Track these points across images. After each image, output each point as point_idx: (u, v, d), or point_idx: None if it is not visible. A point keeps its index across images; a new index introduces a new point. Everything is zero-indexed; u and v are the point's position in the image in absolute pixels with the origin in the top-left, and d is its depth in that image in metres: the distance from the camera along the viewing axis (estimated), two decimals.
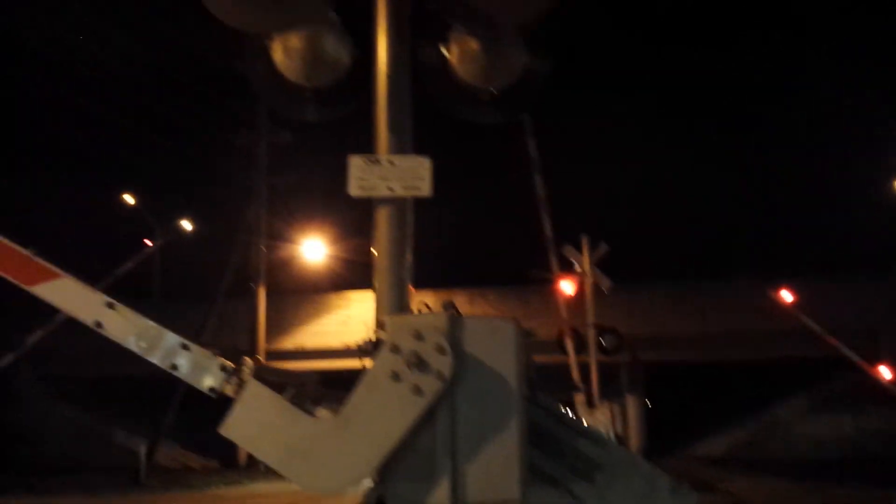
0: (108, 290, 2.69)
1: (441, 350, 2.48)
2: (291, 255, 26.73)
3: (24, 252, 2.67)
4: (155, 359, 2.62)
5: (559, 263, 15.19)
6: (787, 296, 19.76)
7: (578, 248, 15.63)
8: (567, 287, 15.31)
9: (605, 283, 15.88)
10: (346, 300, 28.37)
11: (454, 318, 2.63)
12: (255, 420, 2.47)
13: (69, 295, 2.67)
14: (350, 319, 27.13)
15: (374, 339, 2.77)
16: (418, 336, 2.49)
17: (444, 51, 3.41)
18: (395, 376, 2.44)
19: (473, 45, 3.36)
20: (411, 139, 3.15)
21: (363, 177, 3.05)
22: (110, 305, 2.64)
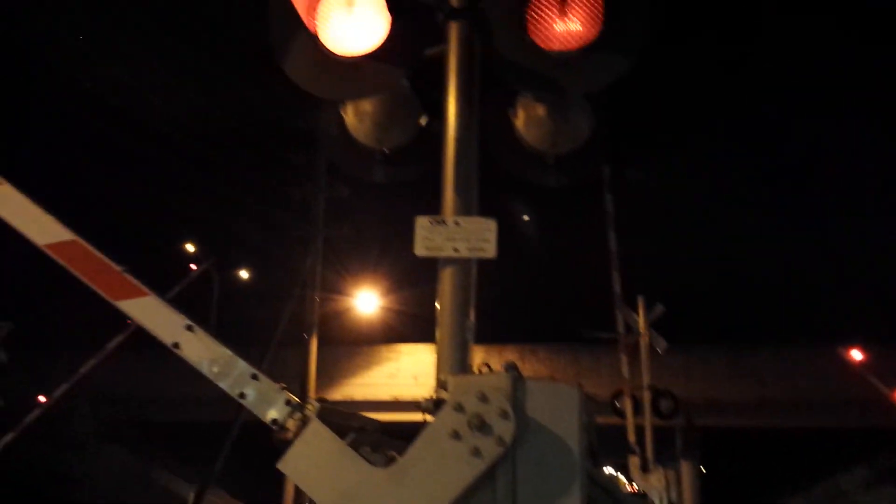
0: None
1: (504, 415, 2.47)
2: (344, 307, 26.97)
3: (116, 267, 2.79)
4: (224, 385, 2.68)
5: (622, 322, 14.95)
6: (856, 355, 19.02)
7: (634, 308, 15.41)
8: (628, 347, 15.03)
9: (661, 345, 15.56)
10: (396, 353, 28.38)
11: (517, 380, 2.63)
12: (313, 459, 2.49)
13: (152, 313, 2.76)
14: (399, 372, 27.10)
15: (434, 396, 2.78)
16: (482, 398, 2.49)
17: (511, 115, 3.47)
18: (456, 435, 2.44)
19: (540, 110, 3.42)
20: (477, 201, 3.19)
21: (429, 237, 3.10)
22: (189, 328, 2.72)
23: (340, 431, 2.55)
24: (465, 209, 3.14)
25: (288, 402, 2.60)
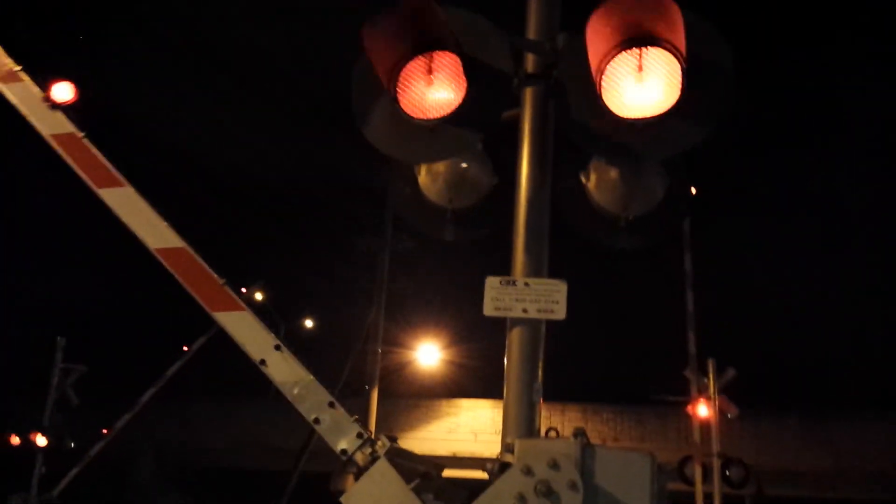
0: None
1: (573, 486, 2.44)
2: (406, 360, 27.03)
3: (218, 279, 2.90)
4: (302, 409, 2.75)
5: (695, 385, 14.52)
6: None
7: (704, 371, 14.98)
8: (702, 410, 14.53)
9: (732, 411, 15.02)
10: (455, 408, 28.13)
11: (586, 447, 2.58)
12: (375, 498, 2.50)
13: (245, 328, 2.87)
14: (458, 427, 26.80)
15: (500, 458, 2.76)
16: (553, 465, 2.46)
17: (583, 177, 3.49)
18: (522, 498, 2.43)
19: (612, 173, 3.43)
20: (547, 262, 3.20)
21: (498, 297, 3.11)
22: (278, 347, 2.81)
23: (406, 474, 2.55)
24: (535, 270, 3.14)
25: (360, 435, 2.64)
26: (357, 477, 2.62)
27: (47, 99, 3.26)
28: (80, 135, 3.22)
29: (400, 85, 3.11)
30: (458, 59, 3.07)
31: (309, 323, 27.40)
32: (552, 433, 2.81)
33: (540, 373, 3.11)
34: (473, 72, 3.05)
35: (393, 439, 2.69)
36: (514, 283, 3.11)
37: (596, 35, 2.90)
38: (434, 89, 3.12)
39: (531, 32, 3.35)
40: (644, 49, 2.98)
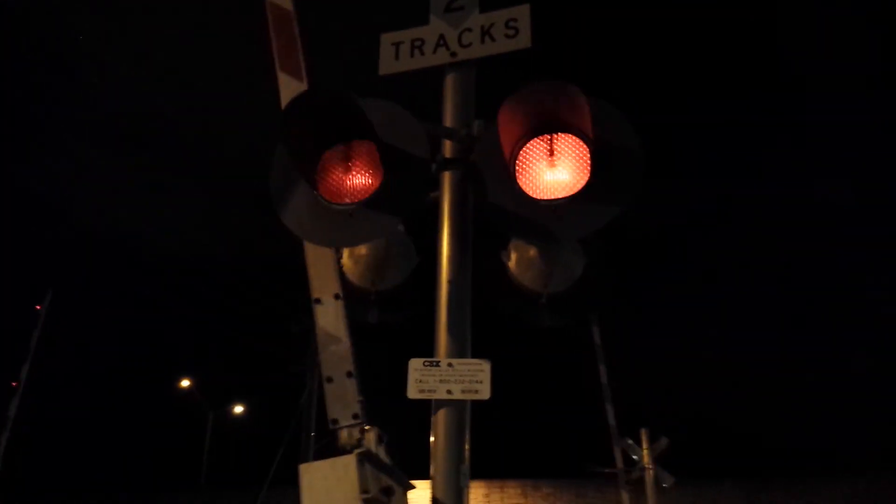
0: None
1: None
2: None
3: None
4: (324, 361, 2.96)
5: (622, 456, 14.54)
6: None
7: (637, 441, 15.06)
8: (633, 481, 14.54)
9: (668, 479, 15.09)
10: None
11: None
12: (328, 486, 2.49)
13: (322, 261, 3.12)
14: None
15: None
16: None
17: (504, 257, 3.56)
18: None
19: (532, 252, 3.51)
20: (470, 343, 3.22)
21: (422, 379, 3.09)
22: (337, 297, 3.12)
23: (365, 482, 2.52)
24: (458, 350, 3.15)
25: (355, 416, 2.65)
26: (327, 452, 2.64)
27: None
28: (293, 12, 3.19)
29: (319, 171, 3.15)
30: (374, 147, 3.14)
31: (239, 408, 26.53)
32: None
33: (467, 455, 3.08)
34: (391, 158, 3.12)
35: (383, 438, 2.68)
36: (437, 363, 3.11)
37: (508, 123, 3.02)
38: (352, 175, 3.18)
39: (447, 120, 3.47)
40: (554, 135, 3.11)
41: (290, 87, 3.63)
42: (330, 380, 2.79)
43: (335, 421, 2.69)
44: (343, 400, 2.76)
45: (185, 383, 30.43)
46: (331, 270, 3.02)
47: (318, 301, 2.93)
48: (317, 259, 3.03)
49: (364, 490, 2.56)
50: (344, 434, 2.66)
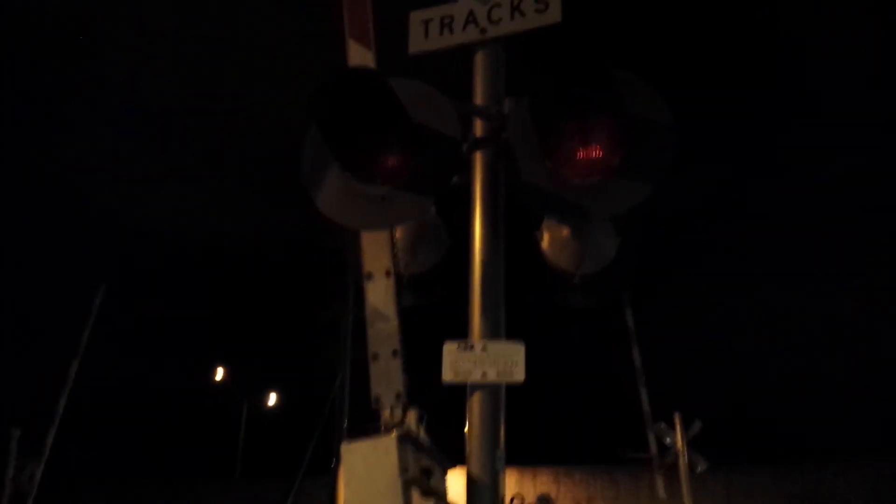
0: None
1: None
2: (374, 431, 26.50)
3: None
4: (371, 338, 2.94)
5: (656, 441, 14.45)
6: None
7: (672, 426, 14.93)
8: (666, 467, 14.44)
9: (701, 464, 14.96)
10: None
11: None
12: (369, 467, 2.52)
13: (375, 240, 3.12)
14: None
15: None
16: None
17: (537, 238, 3.52)
18: None
19: (564, 232, 3.47)
20: (504, 325, 3.18)
21: (457, 362, 3.07)
22: (388, 274, 3.06)
23: (405, 463, 2.53)
24: (492, 332, 3.12)
25: (398, 396, 2.66)
26: (369, 431, 2.67)
27: None
28: None
29: (351, 153, 3.13)
30: (406, 127, 3.11)
31: (272, 398, 26.83)
32: (517, 500, 2.75)
33: (502, 439, 3.05)
34: (422, 138, 3.09)
35: (423, 417, 2.72)
36: (472, 347, 3.08)
37: (541, 105, 2.97)
38: (384, 157, 3.15)
39: (478, 98, 3.42)
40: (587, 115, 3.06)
41: (358, 55, 3.60)
42: (376, 357, 2.80)
43: (377, 399, 2.69)
44: (387, 378, 2.76)
45: (220, 373, 30.86)
46: (385, 247, 3.02)
47: (369, 276, 2.93)
48: (373, 235, 3.03)
49: (404, 469, 2.56)
50: (386, 413, 2.66)
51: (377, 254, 3.02)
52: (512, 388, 3.13)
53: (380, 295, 2.93)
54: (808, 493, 24.81)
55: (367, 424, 2.85)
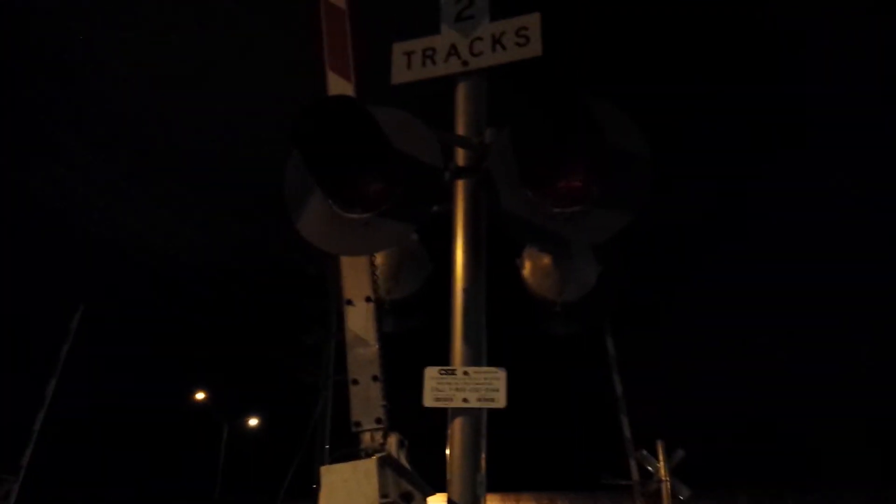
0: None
1: None
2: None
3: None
4: (350, 364, 2.95)
5: (638, 468, 14.44)
6: None
7: (653, 453, 14.95)
8: (650, 494, 14.43)
9: (685, 492, 14.96)
10: None
11: None
12: (349, 489, 2.52)
13: (354, 267, 3.12)
14: None
15: None
16: None
17: (518, 265, 3.56)
18: None
19: (546, 260, 3.51)
20: (485, 350, 3.21)
21: (438, 388, 3.09)
22: (368, 300, 3.09)
23: (385, 487, 2.53)
24: (474, 358, 3.15)
25: (378, 420, 2.66)
26: (349, 456, 2.66)
27: None
28: (346, 11, 3.30)
29: (333, 180, 3.16)
30: (387, 155, 3.15)
31: (253, 421, 26.57)
32: None
33: (483, 464, 3.07)
34: (404, 167, 3.13)
35: (403, 443, 2.71)
36: (453, 372, 3.10)
37: (522, 135, 3.03)
38: (366, 184, 3.18)
39: (460, 128, 3.48)
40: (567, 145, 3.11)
41: (338, 86, 3.66)
42: (356, 382, 2.81)
43: (358, 423, 2.70)
44: (367, 403, 2.78)
45: (200, 396, 30.54)
46: (364, 273, 3.04)
47: (349, 302, 2.95)
48: (352, 260, 3.06)
49: (384, 494, 2.57)
50: (367, 437, 2.68)
51: (357, 280, 3.05)
52: (494, 415, 3.15)
53: (360, 320, 2.96)
54: None
55: (348, 449, 2.85)
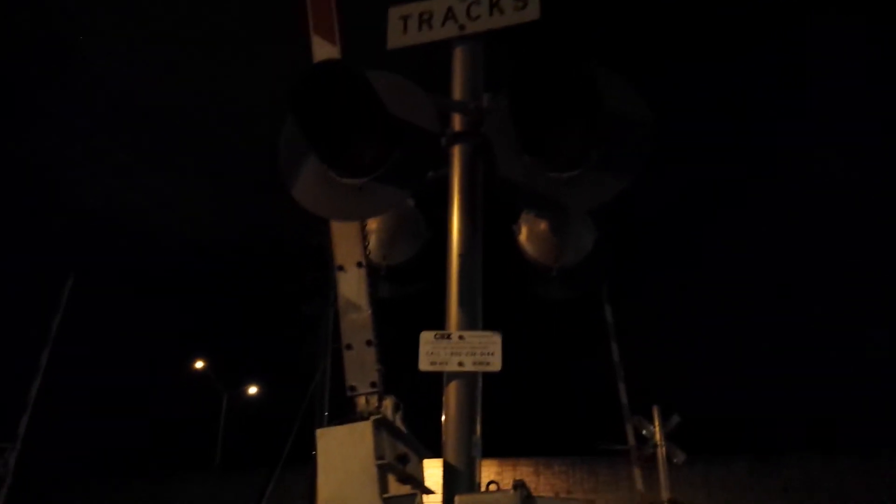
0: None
1: None
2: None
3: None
4: (344, 329, 2.97)
5: (634, 433, 14.61)
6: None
7: (650, 419, 15.11)
8: (645, 459, 14.63)
9: (679, 456, 15.15)
10: None
11: (526, 498, 2.58)
12: (345, 452, 2.54)
13: (345, 232, 3.10)
14: None
15: None
16: None
17: (514, 230, 3.57)
18: None
19: (542, 225, 3.52)
20: (481, 315, 3.23)
21: (433, 351, 3.11)
22: (360, 265, 3.10)
23: (381, 448, 2.56)
24: (469, 323, 3.17)
25: (373, 384, 2.69)
26: (344, 419, 2.69)
27: None
28: None
29: (327, 144, 3.14)
30: (383, 120, 3.13)
31: (253, 389, 26.77)
32: (492, 486, 2.80)
33: (478, 427, 3.10)
34: (400, 131, 3.11)
35: (399, 406, 2.73)
36: (448, 336, 3.12)
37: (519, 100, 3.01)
38: (361, 149, 3.17)
39: (456, 94, 3.45)
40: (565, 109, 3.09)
41: (323, 50, 3.61)
42: (349, 347, 2.83)
43: (353, 388, 2.72)
44: (362, 368, 2.79)
45: (199, 364, 30.70)
46: (356, 239, 3.05)
47: (341, 268, 2.96)
48: (343, 227, 3.06)
49: (380, 456, 2.59)
50: (362, 401, 2.70)
51: (348, 246, 3.06)
52: (492, 381, 3.18)
53: (352, 286, 2.97)
54: (785, 485, 25.13)
55: (344, 414, 2.87)
